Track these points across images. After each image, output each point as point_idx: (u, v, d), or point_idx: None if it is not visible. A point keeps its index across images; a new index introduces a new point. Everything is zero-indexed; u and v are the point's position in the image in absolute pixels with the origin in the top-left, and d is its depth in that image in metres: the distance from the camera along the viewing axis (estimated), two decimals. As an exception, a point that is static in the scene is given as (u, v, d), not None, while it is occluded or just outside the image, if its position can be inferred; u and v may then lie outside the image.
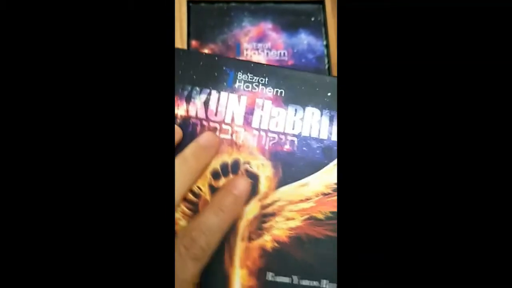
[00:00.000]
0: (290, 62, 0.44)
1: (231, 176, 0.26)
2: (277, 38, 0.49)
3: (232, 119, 0.26)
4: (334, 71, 0.46)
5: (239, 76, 0.27)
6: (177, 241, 0.21)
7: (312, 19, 0.49)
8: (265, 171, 0.25)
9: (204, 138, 0.24)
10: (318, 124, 0.26)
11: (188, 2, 0.45)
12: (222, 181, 0.25)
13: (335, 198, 0.25)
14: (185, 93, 0.26)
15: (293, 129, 0.26)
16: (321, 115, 0.27)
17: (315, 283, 0.24)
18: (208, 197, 0.25)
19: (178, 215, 0.24)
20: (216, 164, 0.25)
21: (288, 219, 0.25)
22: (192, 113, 0.26)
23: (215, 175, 0.25)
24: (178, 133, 0.25)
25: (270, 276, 0.23)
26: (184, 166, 0.23)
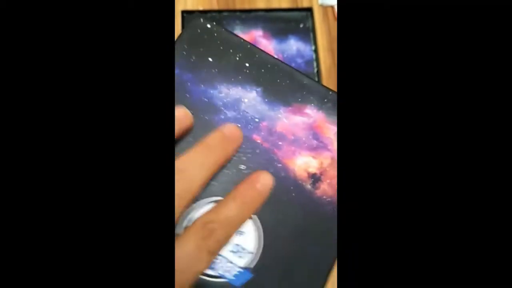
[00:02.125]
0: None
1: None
2: (268, 44, 0.51)
3: None
4: (323, 75, 0.48)
5: None
6: (193, 231, 0.20)
7: (301, 25, 0.50)
8: None
9: (229, 129, 0.23)
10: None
11: (182, 12, 0.49)
12: None
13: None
14: None
15: None
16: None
17: None
18: None
19: None
20: None
21: None
22: None
23: None
24: (188, 117, 0.23)
25: None
26: (209, 154, 0.22)
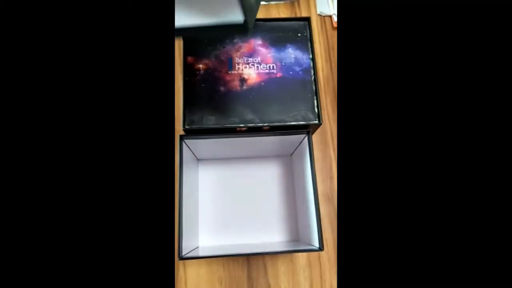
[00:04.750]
0: (279, 75, 0.47)
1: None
2: (266, 53, 0.53)
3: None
4: (321, 83, 0.49)
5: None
6: None
7: (299, 35, 0.51)
8: None
9: None
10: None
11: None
12: None
13: None
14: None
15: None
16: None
17: None
18: None
19: None
20: None
21: None
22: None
23: None
24: None
25: None
26: None
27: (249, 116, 0.39)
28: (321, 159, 0.53)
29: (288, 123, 0.39)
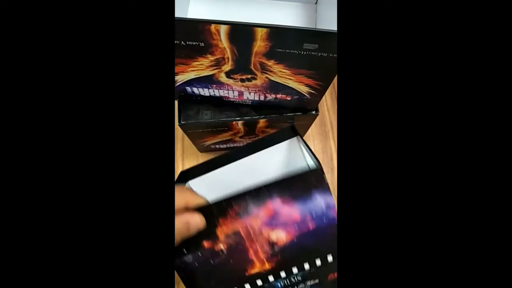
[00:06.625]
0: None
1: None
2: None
3: None
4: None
5: None
6: None
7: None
8: None
9: None
10: None
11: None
12: None
13: None
14: None
15: None
16: None
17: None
18: None
19: None
20: None
21: None
22: None
23: None
24: (203, 222, 0.26)
25: None
26: None
27: (245, 109, 0.39)
28: (321, 151, 0.52)
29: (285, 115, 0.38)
